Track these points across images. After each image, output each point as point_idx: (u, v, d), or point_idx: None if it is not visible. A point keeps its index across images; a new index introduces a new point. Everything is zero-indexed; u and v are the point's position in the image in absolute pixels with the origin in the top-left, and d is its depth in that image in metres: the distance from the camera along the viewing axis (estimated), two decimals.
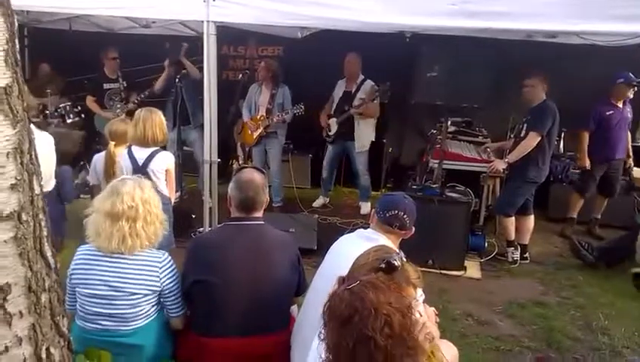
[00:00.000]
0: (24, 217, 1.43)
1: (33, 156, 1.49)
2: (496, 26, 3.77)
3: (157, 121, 3.71)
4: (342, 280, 1.59)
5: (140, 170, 3.63)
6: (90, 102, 5.97)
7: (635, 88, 5.26)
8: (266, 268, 2.38)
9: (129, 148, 3.75)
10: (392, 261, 1.83)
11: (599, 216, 5.72)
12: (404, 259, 1.92)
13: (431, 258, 4.46)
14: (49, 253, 1.53)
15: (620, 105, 5.34)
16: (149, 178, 3.53)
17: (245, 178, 2.50)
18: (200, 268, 2.41)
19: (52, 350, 1.53)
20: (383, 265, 1.81)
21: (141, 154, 3.69)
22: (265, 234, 2.48)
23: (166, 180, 3.77)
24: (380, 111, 5.74)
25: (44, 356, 1.50)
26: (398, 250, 2.02)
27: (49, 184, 3.00)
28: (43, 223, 1.51)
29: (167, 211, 3.65)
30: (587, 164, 5.44)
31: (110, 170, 3.70)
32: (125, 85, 6.05)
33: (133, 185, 2.40)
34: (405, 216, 2.54)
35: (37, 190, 1.49)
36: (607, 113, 5.32)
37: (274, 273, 2.39)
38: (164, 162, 3.74)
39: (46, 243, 1.52)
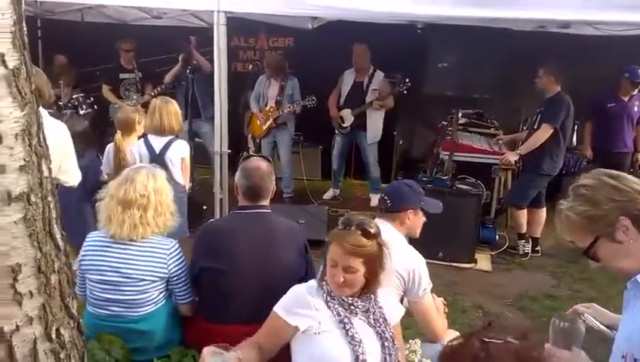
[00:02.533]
0: (33, 198, 1.43)
1: (42, 139, 1.50)
2: (506, 15, 3.73)
3: (172, 110, 3.85)
4: None
5: (157, 158, 3.73)
6: (106, 91, 5.99)
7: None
8: (273, 256, 2.39)
9: (145, 137, 3.85)
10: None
11: None
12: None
13: (441, 250, 4.44)
14: (58, 235, 1.54)
15: (626, 98, 5.24)
16: (166, 166, 3.62)
17: (251, 166, 2.50)
18: (208, 255, 2.42)
19: (62, 330, 1.54)
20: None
21: (158, 142, 3.81)
22: (271, 222, 2.49)
23: (181, 169, 3.86)
24: (391, 101, 5.72)
25: (54, 336, 1.50)
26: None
27: (71, 177, 2.85)
28: (52, 205, 1.51)
29: (181, 200, 3.73)
30: (589, 154, 5.41)
31: (117, 159, 3.73)
32: (141, 76, 6.08)
33: (146, 174, 2.42)
34: (387, 198, 2.57)
35: (46, 173, 1.50)
36: (609, 105, 5.24)
37: (281, 260, 2.40)
38: (181, 150, 3.85)
39: (55, 226, 1.53)
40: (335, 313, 1.91)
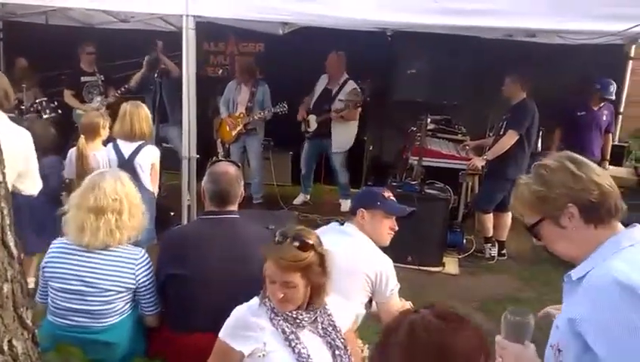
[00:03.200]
0: None
1: None
2: (477, 24, 3.79)
3: (143, 114, 3.79)
4: None
5: (126, 163, 3.65)
6: (68, 96, 5.86)
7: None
8: (240, 263, 2.34)
9: (114, 141, 3.76)
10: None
11: None
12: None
13: (410, 254, 4.47)
14: (12, 243, 1.49)
15: (595, 108, 5.38)
16: (135, 172, 3.55)
17: (219, 170, 2.45)
18: (173, 262, 2.37)
19: (14, 342, 1.48)
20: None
21: (127, 148, 3.73)
22: (239, 228, 2.45)
23: (151, 175, 3.78)
24: (361, 109, 5.75)
25: (5, 348, 1.45)
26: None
27: (31, 185, 2.78)
28: (5, 212, 1.46)
29: (150, 206, 3.66)
30: None
31: (79, 164, 3.64)
32: (103, 79, 5.96)
33: (113, 179, 2.37)
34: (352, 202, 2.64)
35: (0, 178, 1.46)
36: (579, 113, 5.35)
37: (248, 267, 2.33)
38: (151, 156, 3.79)
39: (9, 233, 1.48)
40: (280, 330, 1.86)
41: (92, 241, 2.26)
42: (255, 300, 1.95)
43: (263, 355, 1.82)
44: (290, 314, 1.87)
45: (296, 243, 1.83)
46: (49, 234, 2.56)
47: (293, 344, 1.83)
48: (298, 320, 1.88)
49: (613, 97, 5.38)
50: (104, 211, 2.26)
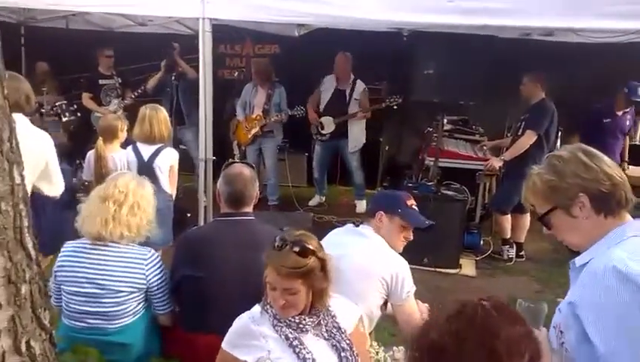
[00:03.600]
0: (4, 207, 1.40)
1: (14, 145, 1.47)
2: (492, 23, 3.75)
3: (162, 118, 3.82)
4: None
5: (145, 165, 3.69)
6: (86, 99, 5.95)
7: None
8: (256, 263, 2.32)
9: (134, 144, 3.79)
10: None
11: None
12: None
13: (426, 256, 4.43)
14: (30, 245, 1.50)
15: (620, 113, 5.24)
16: (154, 174, 3.60)
17: (234, 172, 2.46)
18: (188, 263, 2.39)
19: (32, 343, 1.49)
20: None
21: (147, 150, 3.76)
22: (254, 229, 2.45)
23: (169, 177, 3.81)
24: (377, 109, 5.73)
25: (23, 349, 1.46)
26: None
27: (53, 187, 2.84)
28: (24, 213, 1.48)
29: (168, 208, 3.71)
30: None
31: (98, 166, 3.69)
32: (120, 82, 6.04)
33: (131, 177, 2.42)
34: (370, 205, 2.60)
35: (17, 180, 1.47)
36: (605, 121, 5.19)
37: (263, 269, 2.37)
38: (170, 158, 3.82)
39: (27, 235, 1.49)
40: (283, 337, 1.83)
41: (89, 229, 2.29)
42: (257, 308, 1.93)
43: None
44: (293, 320, 1.84)
45: (297, 249, 1.79)
46: (63, 236, 2.59)
47: (297, 350, 1.80)
48: (301, 325, 1.85)
49: None
50: (107, 199, 2.31)
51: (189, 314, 2.41)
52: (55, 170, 2.85)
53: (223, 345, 1.89)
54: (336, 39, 5.21)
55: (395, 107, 5.57)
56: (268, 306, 1.88)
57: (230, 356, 1.86)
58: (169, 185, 3.82)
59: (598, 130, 5.18)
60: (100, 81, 5.97)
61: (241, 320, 1.92)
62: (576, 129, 5.33)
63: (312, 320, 1.87)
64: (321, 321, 1.90)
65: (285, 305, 1.81)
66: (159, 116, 3.80)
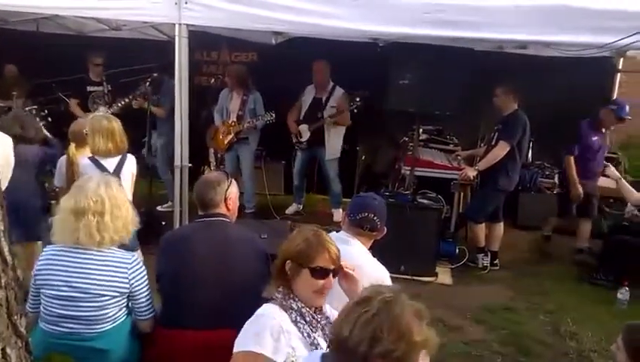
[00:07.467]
0: None
1: None
2: (468, 36, 3.84)
3: (117, 129, 3.58)
4: None
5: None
6: (74, 105, 5.81)
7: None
8: (229, 261, 2.41)
9: (92, 157, 3.57)
10: None
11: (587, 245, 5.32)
12: None
13: (403, 264, 4.46)
14: (5, 249, 1.46)
15: (607, 130, 5.20)
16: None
17: (201, 178, 2.63)
18: (168, 260, 2.45)
19: (8, 350, 1.45)
20: None
21: (109, 162, 3.56)
22: (226, 228, 2.53)
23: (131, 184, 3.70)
24: (352, 119, 5.76)
25: None
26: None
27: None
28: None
29: None
30: (581, 192, 5.05)
31: (69, 172, 3.57)
32: (110, 89, 5.92)
33: (97, 182, 2.36)
34: (375, 218, 2.53)
35: None
36: (593, 138, 5.10)
37: (238, 266, 2.42)
38: (132, 166, 3.69)
39: (2, 239, 1.45)
40: (305, 334, 1.85)
41: (72, 240, 2.25)
42: (271, 306, 1.90)
43: (294, 361, 1.78)
44: (314, 317, 1.90)
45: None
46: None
47: (317, 348, 1.81)
48: (315, 321, 1.90)
49: (630, 117, 5.06)
50: (84, 213, 2.25)
51: (168, 309, 2.43)
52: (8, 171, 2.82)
53: (250, 347, 1.77)
54: (313, 48, 5.23)
55: (355, 110, 5.49)
56: (291, 301, 1.90)
57: (262, 357, 1.76)
58: (130, 192, 3.64)
59: (589, 149, 5.10)
60: (89, 88, 5.84)
61: (264, 319, 1.84)
62: (568, 152, 5.15)
63: (320, 317, 1.93)
64: (327, 322, 1.93)
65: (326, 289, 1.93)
66: (114, 128, 3.56)
